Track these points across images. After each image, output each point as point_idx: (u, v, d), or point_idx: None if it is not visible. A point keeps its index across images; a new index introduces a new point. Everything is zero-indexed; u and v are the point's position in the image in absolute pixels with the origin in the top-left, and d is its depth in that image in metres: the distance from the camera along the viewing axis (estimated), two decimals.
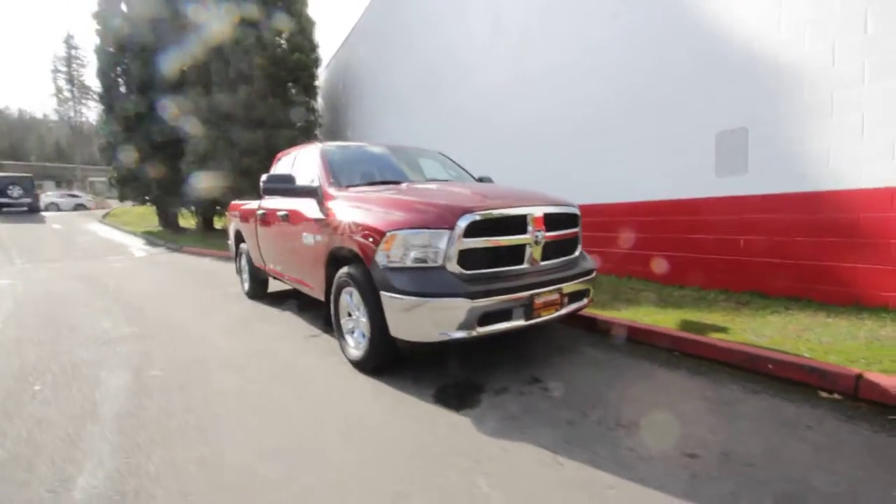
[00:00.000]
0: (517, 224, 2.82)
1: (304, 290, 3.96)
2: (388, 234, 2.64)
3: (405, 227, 2.63)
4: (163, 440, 2.19)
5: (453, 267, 2.62)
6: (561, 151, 5.98)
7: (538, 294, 2.77)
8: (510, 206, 2.80)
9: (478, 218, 2.65)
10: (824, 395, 2.43)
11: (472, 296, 2.54)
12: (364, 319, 2.93)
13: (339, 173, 3.68)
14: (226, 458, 2.03)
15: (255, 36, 12.40)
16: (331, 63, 16.46)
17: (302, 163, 4.24)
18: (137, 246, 13.80)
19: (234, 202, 6.52)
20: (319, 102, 15.58)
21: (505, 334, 2.74)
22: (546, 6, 6.28)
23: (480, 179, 4.46)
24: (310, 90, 14.45)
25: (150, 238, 15.25)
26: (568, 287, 2.96)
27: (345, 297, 3.16)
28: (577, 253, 3.26)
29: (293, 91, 13.94)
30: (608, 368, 2.95)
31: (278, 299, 5.56)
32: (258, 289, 5.58)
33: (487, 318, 2.60)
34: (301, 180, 4.13)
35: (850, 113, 3.41)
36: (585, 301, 3.20)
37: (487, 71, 7.67)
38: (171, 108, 13.73)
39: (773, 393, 2.49)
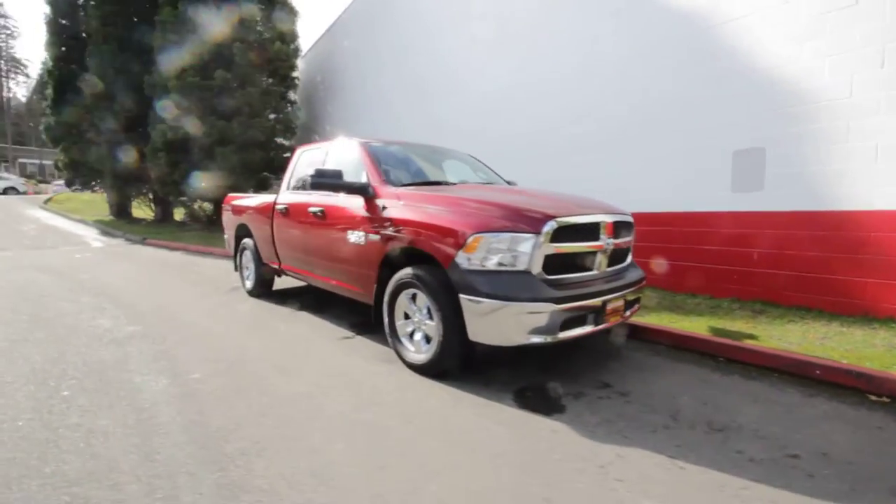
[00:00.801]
0: (591, 231, 2.87)
1: (342, 291, 3.81)
2: (473, 236, 2.60)
3: (491, 230, 2.60)
4: (257, 450, 2.04)
5: (537, 272, 2.63)
6: (577, 161, 6.13)
7: (608, 300, 2.83)
8: (586, 214, 2.85)
9: (560, 224, 2.67)
10: (873, 398, 2.65)
11: (558, 301, 2.56)
12: (431, 322, 2.86)
13: (389, 171, 3.58)
14: (343, 469, 1.92)
15: (236, 18, 11.79)
16: (307, 55, 15.94)
17: (337, 158, 4.08)
18: (92, 236, 12.70)
19: (231, 195, 6.18)
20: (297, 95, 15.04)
21: (574, 340, 2.77)
22: (554, 18, 6.43)
23: (508, 183, 4.49)
24: (289, 81, 13.92)
25: (104, 228, 14.10)
26: (629, 294, 3.05)
27: (403, 300, 3.07)
28: (629, 260, 3.36)
29: (271, 81, 13.36)
30: (668, 373, 3.05)
31: (284, 298, 5.32)
32: (263, 287, 5.32)
33: (567, 322, 2.62)
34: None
35: (865, 140, 3.75)
36: (636, 308, 3.31)
37: (485, 78, 7.73)
38: (133, 90, 12.80)
39: (829, 397, 2.68)
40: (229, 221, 5.90)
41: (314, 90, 15.68)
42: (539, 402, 2.59)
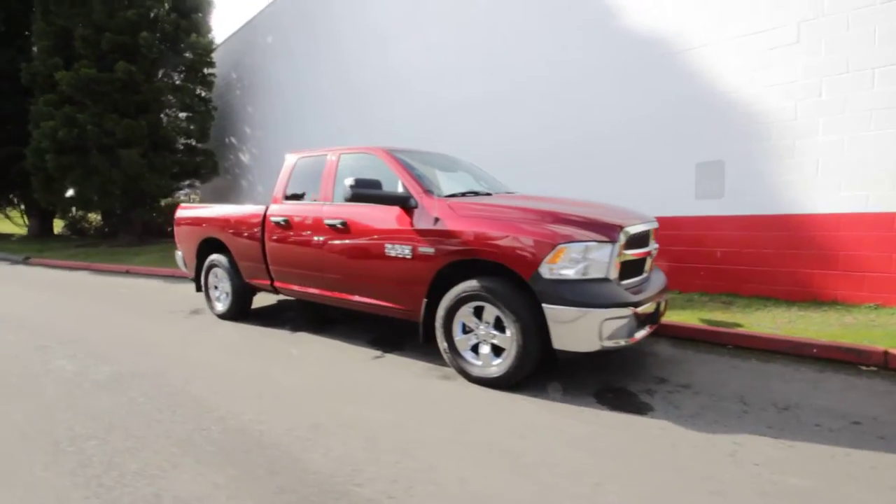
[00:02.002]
0: (644, 238, 3.09)
1: (372, 309, 3.58)
2: (558, 246, 2.64)
3: (574, 240, 2.67)
4: (405, 491, 1.86)
5: (614, 278, 2.76)
6: (542, 169, 6.45)
7: (659, 302, 3.07)
8: (642, 222, 3.05)
9: (628, 232, 2.84)
10: (863, 368, 3.23)
11: (636, 304, 2.72)
12: (503, 334, 2.84)
13: (426, 181, 3.47)
14: (512, 496, 1.83)
15: (143, 6, 10.37)
16: (218, 49, 14.59)
17: (352, 166, 3.84)
18: None
19: (185, 205, 5.46)
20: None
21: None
22: (519, 27, 6.75)
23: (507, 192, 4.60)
24: (204, 77, 12.61)
25: None
26: (666, 295, 3.33)
27: (464, 313, 3.00)
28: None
29: (184, 76, 11.98)
30: (701, 364, 3.37)
31: (261, 319, 4.84)
32: (241, 308, 4.78)
33: (639, 326, 2.80)
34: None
35: (807, 157, 4.53)
36: (666, 307, 3.62)
37: (442, 85, 7.82)
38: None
39: (833, 371, 3.19)
40: (188, 235, 5.19)
41: (228, 89, 14.39)
42: (623, 402, 2.71)
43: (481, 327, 2.98)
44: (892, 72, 4.07)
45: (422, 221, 3.19)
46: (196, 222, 5.06)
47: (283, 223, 4.09)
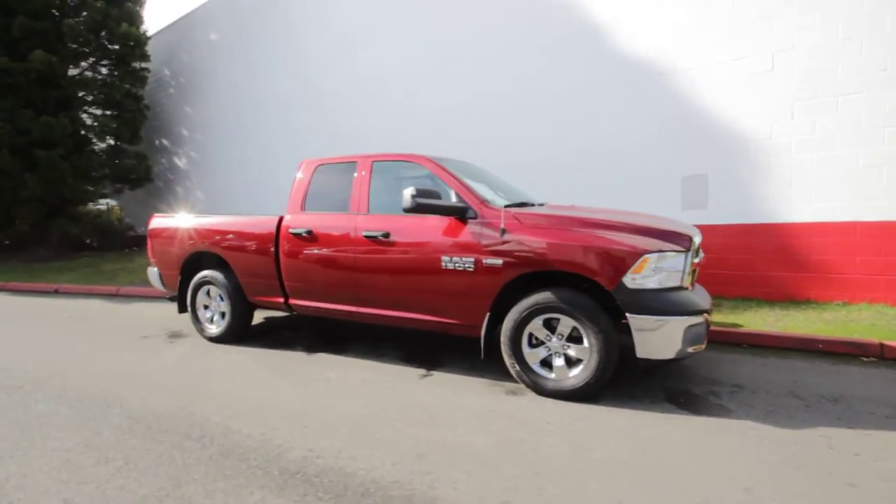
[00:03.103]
0: (697, 249, 3.25)
1: (422, 325, 3.40)
2: (643, 256, 2.70)
3: (656, 250, 2.74)
4: None
5: (687, 286, 2.87)
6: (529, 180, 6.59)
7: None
8: (696, 233, 3.21)
9: (696, 242, 2.98)
10: (864, 359, 3.65)
11: (709, 312, 2.85)
12: (582, 345, 2.83)
13: (479, 190, 3.37)
14: None
15: None
16: (147, 43, 13.25)
17: (389, 174, 3.66)
18: None
19: (159, 216, 4.85)
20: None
21: None
22: (499, 40, 6.90)
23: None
24: (135, 73, 11.33)
25: None
26: None
27: (535, 326, 2.96)
28: None
29: (115, 72, 10.67)
30: (735, 364, 3.60)
31: (263, 339, 4.42)
32: (240, 330, 4.32)
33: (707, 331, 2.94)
34: (385, 195, 3.61)
35: (782, 171, 5.08)
36: None
37: (418, 95, 7.75)
38: None
39: (845, 363, 3.57)
40: (168, 249, 4.59)
41: (160, 87, 13.10)
42: (700, 406, 2.81)
43: (553, 339, 2.94)
44: (852, 100, 4.71)
45: (485, 233, 3.09)
46: (180, 235, 4.49)
47: (305, 235, 3.76)
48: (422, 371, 3.51)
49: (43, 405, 2.95)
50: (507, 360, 3.05)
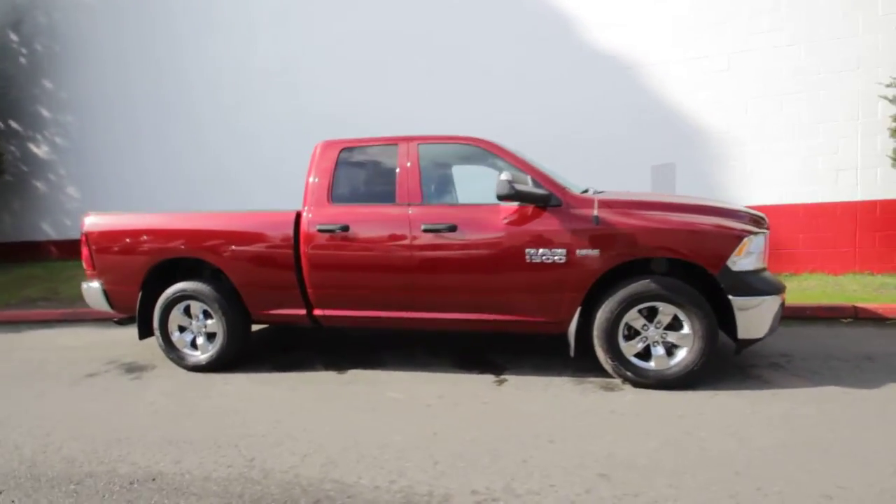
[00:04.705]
0: None
1: (498, 326, 3.09)
2: (745, 238, 2.73)
3: (752, 232, 2.79)
4: None
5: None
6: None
7: None
8: None
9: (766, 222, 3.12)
10: (844, 321, 4.24)
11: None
12: (682, 332, 2.79)
13: (554, 175, 3.13)
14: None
15: None
16: None
17: (438, 158, 3.24)
18: None
19: (103, 213, 3.73)
20: None
21: None
22: (472, 33, 6.68)
23: None
24: None
25: None
26: None
27: (632, 315, 2.84)
28: None
29: None
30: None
31: (256, 363, 3.68)
32: (235, 353, 3.51)
33: None
34: (434, 183, 3.24)
35: (739, 161, 5.70)
36: None
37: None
38: None
39: (841, 326, 4.10)
40: (121, 255, 3.52)
41: (5, 56, 10.23)
42: (779, 377, 2.95)
43: (651, 329, 2.86)
44: (794, 98, 5.45)
45: (574, 221, 2.87)
46: (144, 239, 3.47)
47: (339, 232, 3.14)
48: (490, 377, 3.18)
49: None
50: (602, 354, 2.89)
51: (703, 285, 2.82)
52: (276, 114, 7.73)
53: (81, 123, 9.70)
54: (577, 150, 6.21)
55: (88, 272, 3.62)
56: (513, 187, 2.68)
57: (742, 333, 2.77)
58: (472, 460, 2.13)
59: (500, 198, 2.75)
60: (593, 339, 2.90)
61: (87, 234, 3.58)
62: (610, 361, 2.89)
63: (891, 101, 4.85)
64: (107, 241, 3.55)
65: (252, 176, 7.80)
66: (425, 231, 3.02)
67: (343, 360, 3.63)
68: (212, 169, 8.19)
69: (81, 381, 3.40)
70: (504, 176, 2.70)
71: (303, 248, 3.21)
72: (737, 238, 2.73)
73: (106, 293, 3.60)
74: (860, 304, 4.30)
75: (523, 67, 6.48)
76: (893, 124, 4.78)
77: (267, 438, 2.43)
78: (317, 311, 3.30)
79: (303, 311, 3.32)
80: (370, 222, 3.14)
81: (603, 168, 6.13)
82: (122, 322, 3.81)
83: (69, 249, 8.93)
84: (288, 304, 3.33)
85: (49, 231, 10.08)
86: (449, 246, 3.01)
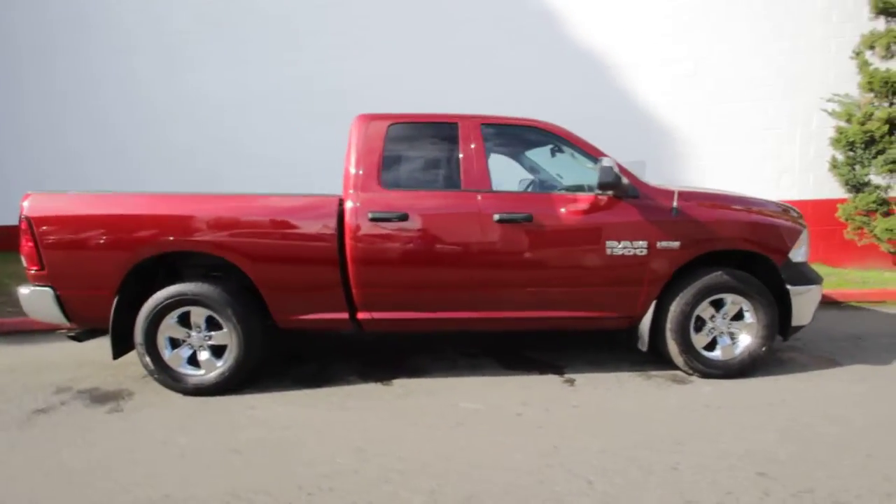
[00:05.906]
0: None
1: (570, 323, 2.95)
2: (803, 232, 2.88)
3: (804, 227, 2.96)
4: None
5: None
6: None
7: None
8: None
9: None
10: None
11: None
12: (744, 321, 2.89)
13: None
14: None
15: None
16: None
17: (500, 141, 2.97)
18: None
19: (57, 193, 2.84)
20: None
21: None
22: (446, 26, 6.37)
23: None
24: None
25: None
26: None
27: (702, 306, 2.86)
28: None
29: None
30: None
31: (274, 378, 3.13)
32: (251, 369, 2.89)
33: None
34: (498, 167, 2.99)
35: (703, 161, 6.20)
36: None
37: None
38: None
39: (842, 308, 4.62)
40: (88, 250, 2.67)
41: None
42: (846, 358, 3.22)
43: (719, 319, 2.91)
44: (747, 106, 6.06)
45: (653, 213, 2.81)
46: (122, 228, 2.66)
47: (394, 221, 2.70)
48: (554, 377, 3.01)
49: None
50: (674, 347, 2.87)
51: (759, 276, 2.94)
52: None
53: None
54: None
55: (33, 272, 2.69)
56: (617, 175, 2.52)
57: (795, 321, 2.94)
58: (623, 474, 1.94)
59: (602, 185, 2.58)
60: (665, 332, 2.87)
61: (30, 221, 2.65)
62: (682, 355, 2.88)
63: (830, 114, 5.62)
64: (65, 231, 2.66)
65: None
66: (499, 221, 2.73)
67: (374, 368, 3.18)
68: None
69: (31, 420, 2.51)
70: (606, 162, 2.53)
71: (348, 239, 2.71)
72: (798, 231, 2.89)
73: (61, 300, 2.70)
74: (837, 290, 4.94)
75: (497, 55, 6.35)
76: (833, 134, 5.54)
77: (363, 474, 1.98)
78: (361, 315, 2.82)
79: (345, 315, 2.81)
80: (433, 210, 2.75)
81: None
82: (78, 337, 2.91)
83: None
84: (326, 307, 2.79)
85: None
86: (525, 237, 2.76)
